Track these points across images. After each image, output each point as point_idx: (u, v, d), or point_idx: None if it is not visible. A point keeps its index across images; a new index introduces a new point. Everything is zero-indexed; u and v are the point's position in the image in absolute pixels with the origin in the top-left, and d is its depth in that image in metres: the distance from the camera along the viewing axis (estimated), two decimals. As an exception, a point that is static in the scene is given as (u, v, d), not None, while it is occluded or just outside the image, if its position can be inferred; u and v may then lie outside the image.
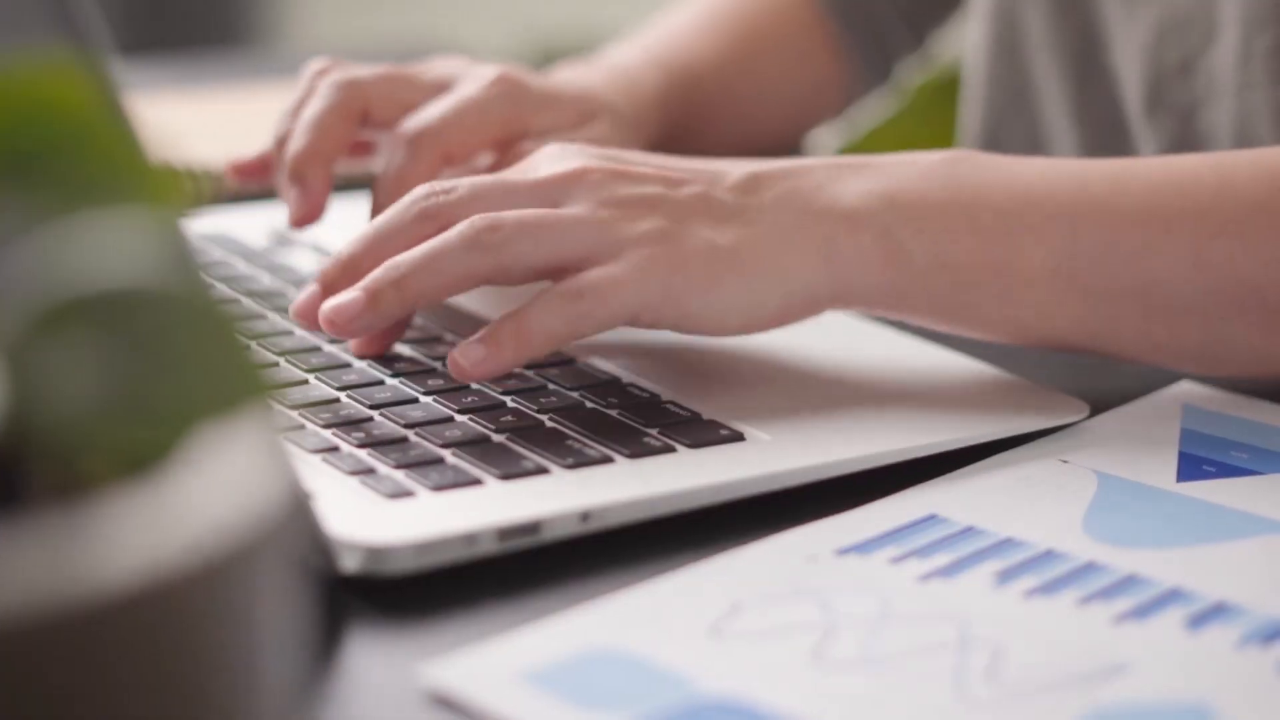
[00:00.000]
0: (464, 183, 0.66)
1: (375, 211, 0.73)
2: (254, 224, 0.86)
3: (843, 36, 0.97)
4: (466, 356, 0.64)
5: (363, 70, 0.77)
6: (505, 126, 0.76)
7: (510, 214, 0.64)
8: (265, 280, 0.78)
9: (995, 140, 0.96)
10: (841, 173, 0.67)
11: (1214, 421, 0.67)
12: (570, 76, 0.83)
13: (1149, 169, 0.68)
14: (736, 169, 0.67)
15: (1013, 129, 0.95)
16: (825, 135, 1.02)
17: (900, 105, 1.35)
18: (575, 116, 0.77)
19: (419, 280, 0.64)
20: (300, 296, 0.66)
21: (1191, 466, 0.63)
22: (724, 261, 0.64)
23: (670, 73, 0.89)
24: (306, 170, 0.74)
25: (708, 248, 0.64)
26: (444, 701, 0.48)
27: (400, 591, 0.54)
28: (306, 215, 0.74)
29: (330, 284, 0.66)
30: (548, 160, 0.68)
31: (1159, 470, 0.63)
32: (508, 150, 0.76)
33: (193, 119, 1.05)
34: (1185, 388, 0.70)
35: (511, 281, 0.65)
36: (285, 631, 0.34)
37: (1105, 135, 0.90)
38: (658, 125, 0.86)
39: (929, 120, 1.33)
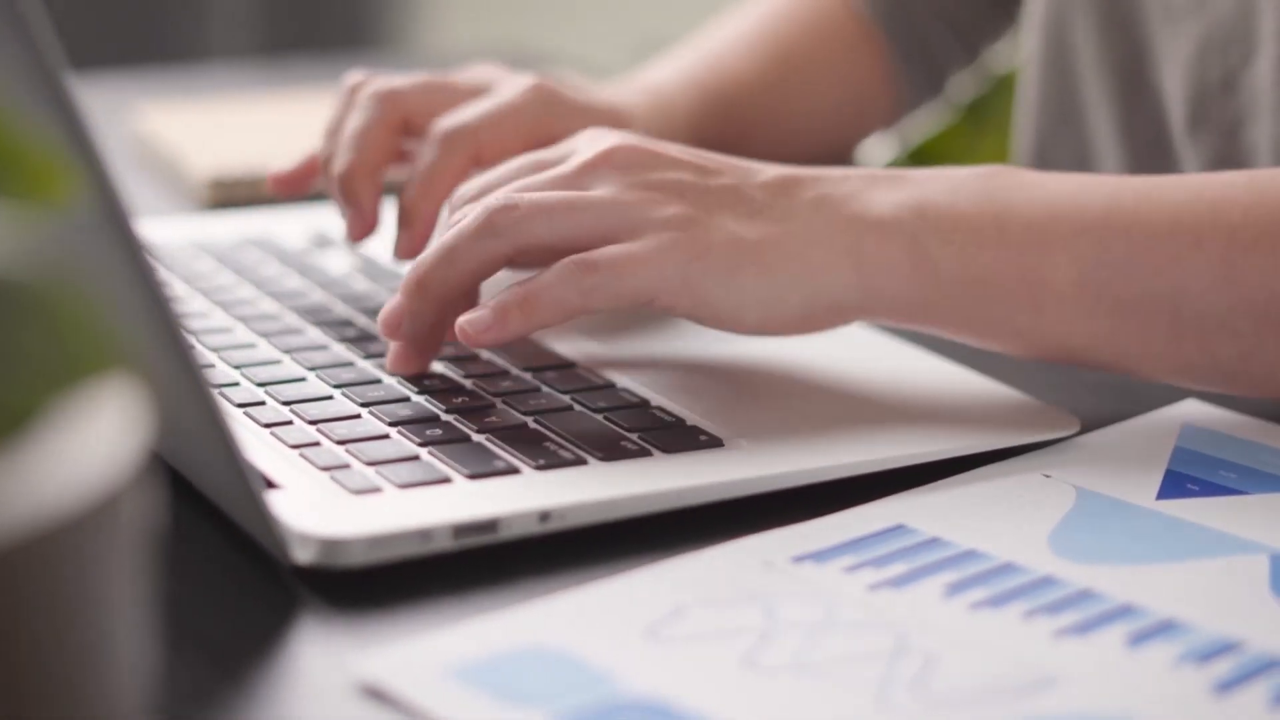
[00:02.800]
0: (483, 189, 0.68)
1: (403, 207, 0.75)
2: (294, 227, 0.88)
3: (891, 50, 0.97)
4: (473, 324, 0.64)
5: (400, 80, 0.78)
6: (537, 132, 0.77)
7: (528, 195, 0.65)
8: (294, 282, 0.80)
9: (1044, 155, 0.95)
10: (875, 183, 0.67)
11: (1210, 440, 0.66)
12: (604, 94, 0.84)
13: (1182, 184, 0.67)
14: (770, 169, 0.68)
15: (1061, 144, 0.94)
16: (877, 147, 1.02)
17: (959, 117, 1.34)
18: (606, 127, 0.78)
19: (438, 275, 0.65)
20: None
21: (1175, 484, 0.63)
22: (746, 255, 0.64)
23: (706, 91, 0.89)
24: (356, 186, 0.76)
25: (730, 239, 0.65)
26: (374, 694, 0.50)
27: (358, 587, 0.55)
28: (362, 229, 0.76)
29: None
30: (584, 142, 0.69)
31: (1141, 487, 0.62)
32: None
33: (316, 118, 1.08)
34: (1189, 406, 0.69)
35: (531, 265, 0.66)
36: (127, 605, 0.36)
37: (1150, 152, 0.89)
38: (690, 143, 0.86)
39: (988, 133, 1.33)
